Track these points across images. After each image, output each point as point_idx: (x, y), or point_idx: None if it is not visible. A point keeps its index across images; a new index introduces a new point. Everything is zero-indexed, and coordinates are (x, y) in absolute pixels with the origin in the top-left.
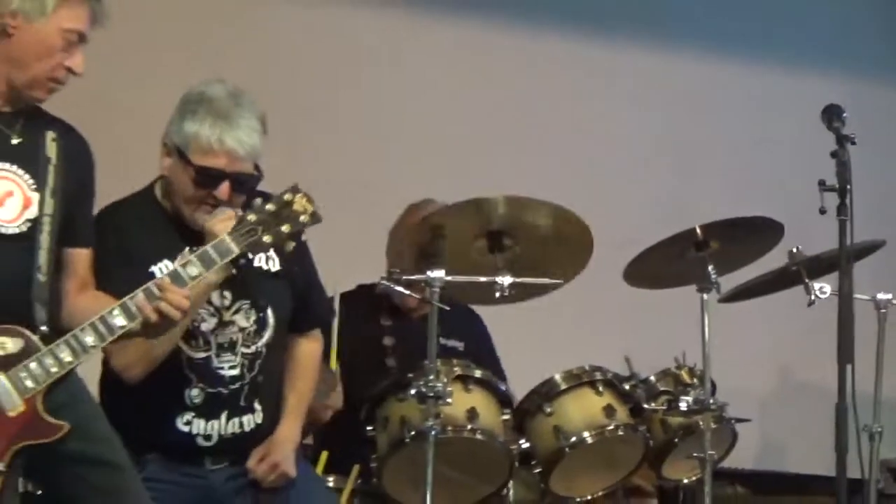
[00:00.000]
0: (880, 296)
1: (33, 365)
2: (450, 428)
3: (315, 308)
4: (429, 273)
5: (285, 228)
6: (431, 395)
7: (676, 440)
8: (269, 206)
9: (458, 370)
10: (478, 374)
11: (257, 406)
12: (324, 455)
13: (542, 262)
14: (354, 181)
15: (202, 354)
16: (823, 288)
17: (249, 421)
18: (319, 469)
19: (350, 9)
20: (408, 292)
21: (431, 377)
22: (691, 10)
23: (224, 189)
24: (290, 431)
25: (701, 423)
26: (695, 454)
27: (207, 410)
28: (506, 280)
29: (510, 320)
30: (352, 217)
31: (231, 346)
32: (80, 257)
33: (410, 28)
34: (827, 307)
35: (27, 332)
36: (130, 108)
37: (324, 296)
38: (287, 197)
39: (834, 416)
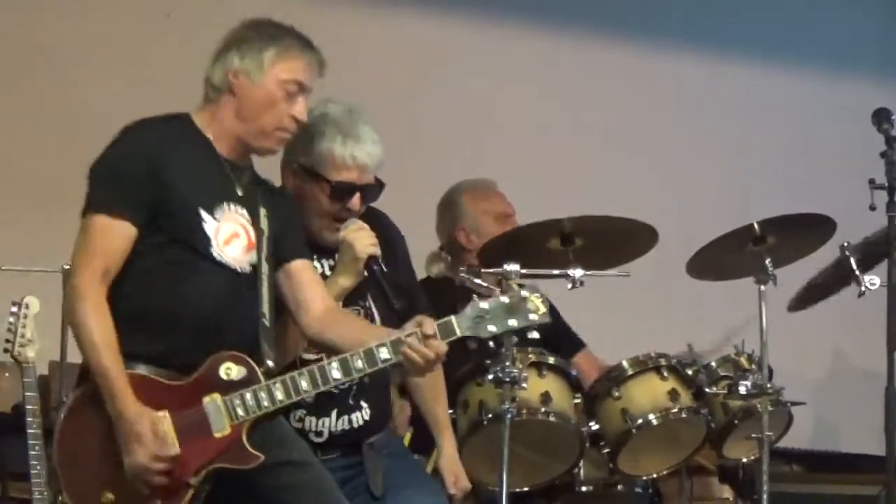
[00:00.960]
0: None
1: (248, 395)
2: (525, 411)
3: (420, 305)
4: (505, 266)
5: (512, 322)
6: (508, 380)
7: (736, 422)
8: (504, 300)
9: (532, 357)
10: (551, 360)
11: (364, 404)
12: (407, 435)
13: (611, 255)
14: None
15: (314, 356)
16: (873, 280)
17: (357, 418)
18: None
19: (439, 18)
20: (486, 284)
21: (508, 363)
22: (741, 21)
23: (356, 201)
24: (452, 447)
25: (759, 406)
26: (753, 435)
27: (318, 408)
28: (577, 272)
29: (582, 310)
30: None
31: None
32: (303, 268)
33: (494, 37)
34: (877, 298)
35: (253, 364)
36: None
37: (423, 293)
38: (524, 294)
39: (884, 400)
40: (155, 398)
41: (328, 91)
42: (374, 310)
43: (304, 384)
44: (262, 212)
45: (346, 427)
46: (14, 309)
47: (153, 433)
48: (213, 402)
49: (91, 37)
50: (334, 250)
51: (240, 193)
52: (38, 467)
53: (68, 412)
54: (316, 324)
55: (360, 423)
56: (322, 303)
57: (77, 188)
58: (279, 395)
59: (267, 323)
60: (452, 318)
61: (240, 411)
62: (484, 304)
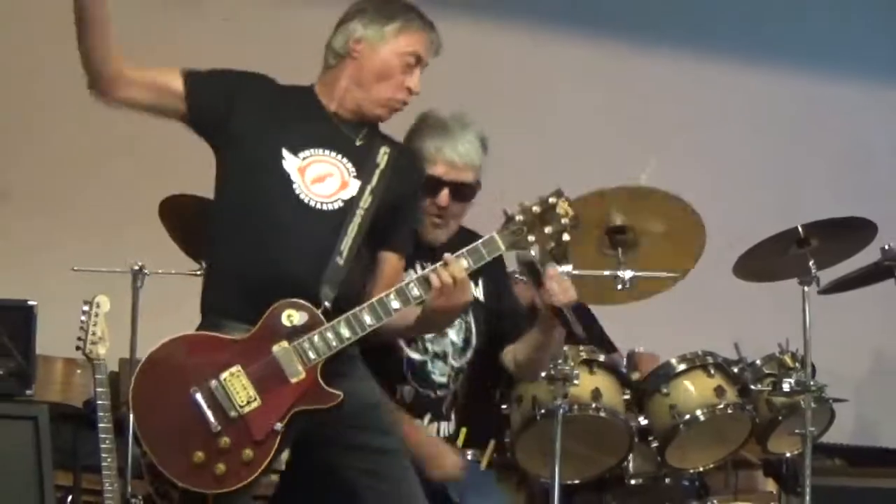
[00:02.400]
0: None
1: (316, 338)
2: (576, 406)
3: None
4: (558, 268)
5: (548, 230)
6: (560, 377)
7: (780, 418)
8: (535, 208)
9: (583, 354)
10: (601, 358)
11: (453, 416)
12: (463, 431)
13: (660, 258)
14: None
15: (419, 357)
16: None
17: (445, 428)
18: (459, 443)
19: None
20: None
21: (560, 361)
22: (793, 29)
23: (444, 196)
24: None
25: (802, 402)
26: (797, 431)
27: (415, 409)
28: (626, 274)
29: (633, 310)
30: None
31: (444, 356)
32: (390, 261)
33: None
34: None
35: (312, 307)
36: None
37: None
38: (552, 200)
39: None
40: (224, 356)
41: None
42: (472, 324)
43: (367, 319)
44: (380, 164)
45: (435, 434)
46: (86, 308)
47: None
48: (282, 349)
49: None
50: (432, 250)
51: (358, 144)
52: (109, 460)
53: (137, 383)
54: None
55: (446, 433)
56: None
57: (147, 194)
58: (346, 333)
59: (340, 262)
60: (495, 233)
61: (311, 354)
62: (518, 217)
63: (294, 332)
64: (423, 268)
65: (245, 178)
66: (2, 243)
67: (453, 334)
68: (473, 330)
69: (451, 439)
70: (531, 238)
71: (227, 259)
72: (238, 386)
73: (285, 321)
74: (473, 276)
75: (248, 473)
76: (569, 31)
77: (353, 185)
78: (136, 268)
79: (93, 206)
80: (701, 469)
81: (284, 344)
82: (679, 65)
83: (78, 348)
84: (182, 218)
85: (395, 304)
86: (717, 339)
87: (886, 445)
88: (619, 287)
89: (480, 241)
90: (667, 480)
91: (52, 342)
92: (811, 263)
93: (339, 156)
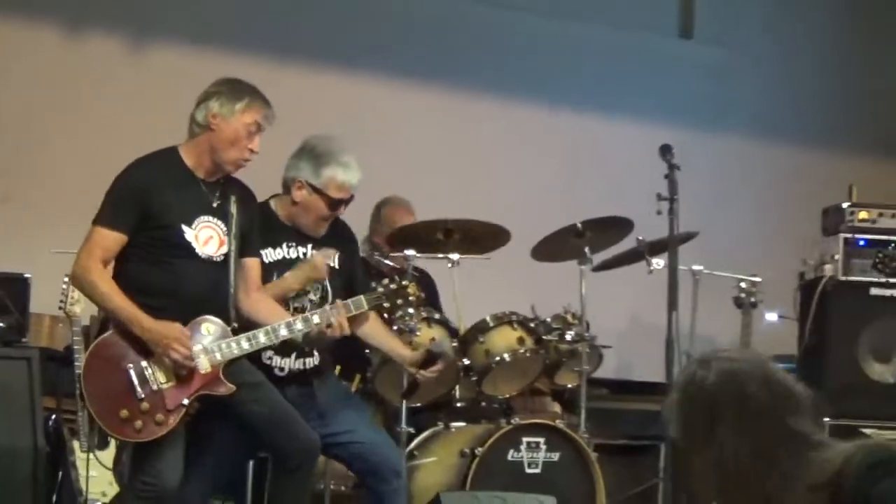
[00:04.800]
0: (694, 267)
1: (223, 345)
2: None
3: (363, 286)
4: (405, 251)
5: (399, 302)
6: (406, 329)
7: (564, 359)
8: (393, 286)
9: (424, 314)
10: (437, 316)
11: (315, 353)
12: (338, 368)
13: (480, 245)
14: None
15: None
16: (658, 262)
17: (310, 362)
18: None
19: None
20: (391, 263)
21: (406, 318)
22: (571, 76)
23: (342, 209)
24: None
25: (579, 348)
26: (575, 368)
27: (283, 350)
28: (454, 256)
29: (460, 282)
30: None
31: (302, 310)
32: (252, 263)
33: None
34: (662, 275)
35: (224, 325)
36: None
37: (367, 279)
38: (405, 283)
39: (665, 345)
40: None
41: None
42: (329, 288)
43: (262, 338)
44: (233, 215)
45: (301, 367)
46: (66, 279)
47: (178, 329)
48: (198, 350)
49: None
50: (314, 238)
51: (214, 206)
52: (80, 389)
53: (88, 358)
54: (247, 303)
55: (311, 365)
56: (255, 290)
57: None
58: (245, 346)
59: (232, 294)
60: (363, 297)
61: (218, 356)
62: (380, 289)
63: (209, 341)
64: (288, 247)
65: (168, 247)
66: (4, 230)
67: (312, 294)
68: (330, 291)
69: (318, 370)
70: (386, 305)
71: (163, 286)
72: (162, 369)
73: (204, 331)
74: (335, 248)
75: (158, 431)
76: (414, 82)
77: (226, 242)
78: None
79: (75, 202)
80: (507, 396)
81: (200, 347)
82: (499, 108)
83: (60, 308)
84: None
85: (283, 332)
86: (520, 304)
87: (638, 379)
88: (450, 266)
89: (352, 299)
90: (482, 404)
91: (42, 303)
92: (586, 249)
93: (216, 220)
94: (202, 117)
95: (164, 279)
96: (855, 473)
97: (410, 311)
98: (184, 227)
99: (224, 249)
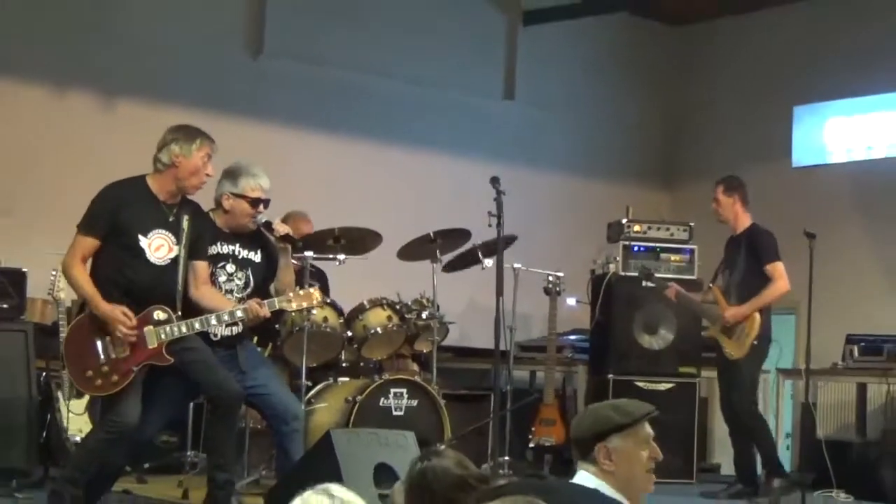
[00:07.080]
0: (515, 265)
1: (168, 328)
2: (314, 325)
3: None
4: (306, 252)
5: (305, 304)
6: (306, 308)
7: (420, 332)
8: (301, 292)
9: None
10: (328, 300)
11: (240, 324)
12: (255, 338)
13: (361, 246)
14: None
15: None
16: (488, 261)
17: (235, 330)
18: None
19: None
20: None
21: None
22: (422, 121)
23: (262, 207)
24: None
25: (431, 324)
26: (429, 338)
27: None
28: (341, 256)
29: (347, 277)
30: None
31: (231, 292)
32: (200, 265)
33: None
34: (491, 271)
35: (171, 312)
36: None
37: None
38: (312, 290)
39: (494, 318)
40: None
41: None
42: (251, 277)
43: (197, 325)
44: (185, 229)
45: (229, 334)
46: (54, 272)
47: (121, 311)
48: (149, 330)
49: None
50: (245, 235)
51: (169, 220)
52: (62, 354)
53: (69, 331)
54: (196, 294)
55: (236, 333)
56: (202, 285)
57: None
58: (184, 329)
59: (180, 291)
60: (275, 299)
61: (162, 335)
62: (290, 294)
63: (157, 323)
64: (224, 245)
65: (128, 252)
66: (7, 235)
67: (238, 280)
68: (252, 279)
69: (240, 337)
70: (294, 305)
71: (122, 281)
72: (119, 343)
73: (155, 316)
74: (255, 247)
75: (112, 388)
76: (315, 131)
77: (175, 249)
78: None
79: (61, 216)
80: (379, 358)
81: (150, 328)
82: (376, 149)
83: (49, 293)
84: None
85: (213, 321)
86: (389, 291)
87: (474, 346)
88: (338, 264)
89: (268, 300)
90: (361, 364)
91: (36, 290)
92: (437, 252)
93: (167, 233)
94: (167, 158)
95: (123, 275)
96: None
97: (314, 312)
98: (140, 237)
99: (172, 255)
